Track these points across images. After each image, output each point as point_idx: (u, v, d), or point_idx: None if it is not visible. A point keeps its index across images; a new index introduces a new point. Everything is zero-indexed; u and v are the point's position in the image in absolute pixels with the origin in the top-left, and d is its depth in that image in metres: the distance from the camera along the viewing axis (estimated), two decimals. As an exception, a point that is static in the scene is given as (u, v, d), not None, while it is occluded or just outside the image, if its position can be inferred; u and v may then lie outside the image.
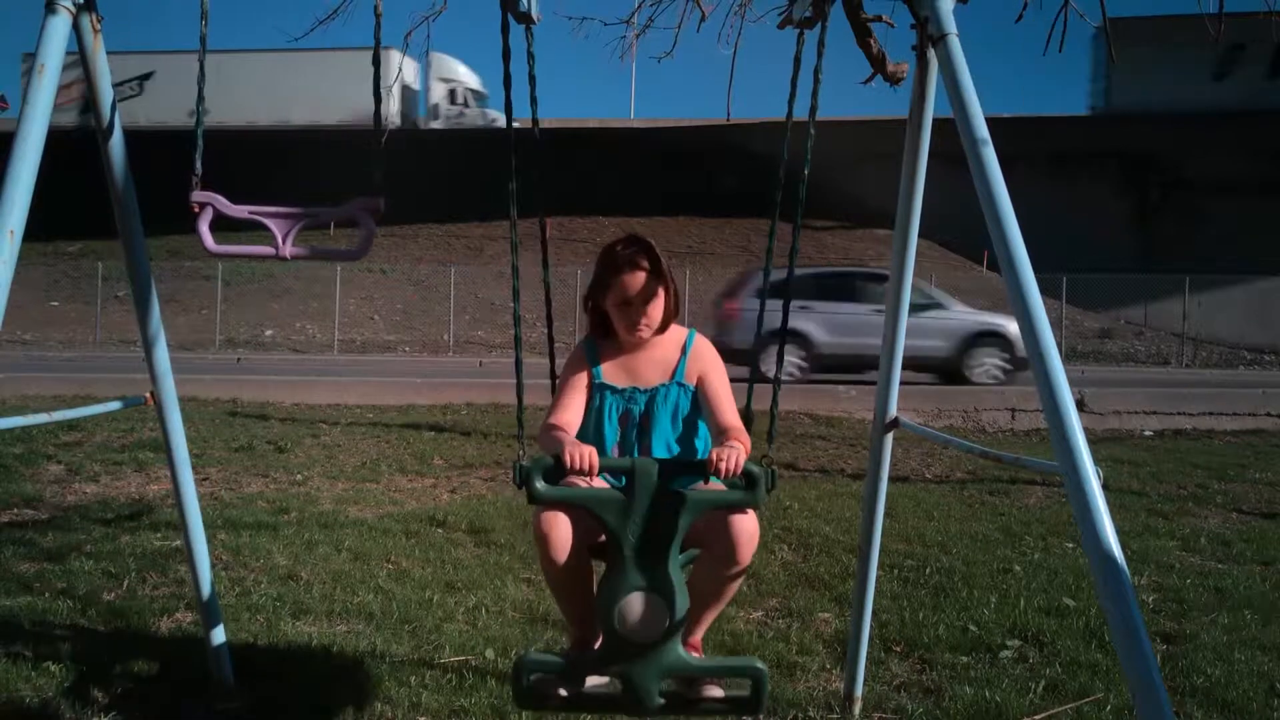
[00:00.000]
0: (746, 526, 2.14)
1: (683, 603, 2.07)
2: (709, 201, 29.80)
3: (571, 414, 2.44)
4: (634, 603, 2.04)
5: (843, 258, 28.79)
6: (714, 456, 2.09)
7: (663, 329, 2.50)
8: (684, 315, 2.62)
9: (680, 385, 2.47)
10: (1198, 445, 10.51)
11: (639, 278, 2.41)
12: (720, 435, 2.34)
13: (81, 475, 6.95)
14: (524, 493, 2.09)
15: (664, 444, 2.47)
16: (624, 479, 2.14)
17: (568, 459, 2.09)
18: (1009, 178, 1.90)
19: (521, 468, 2.11)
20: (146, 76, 29.93)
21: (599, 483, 2.24)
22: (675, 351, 2.51)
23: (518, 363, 2.52)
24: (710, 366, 2.50)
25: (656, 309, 2.44)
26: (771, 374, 2.52)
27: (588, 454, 2.11)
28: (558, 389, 2.53)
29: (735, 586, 2.27)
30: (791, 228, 2.53)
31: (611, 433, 2.47)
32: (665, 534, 2.05)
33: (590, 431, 2.47)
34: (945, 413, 12.34)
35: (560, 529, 2.13)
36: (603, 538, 2.16)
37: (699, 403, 2.48)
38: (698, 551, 2.25)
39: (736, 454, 2.10)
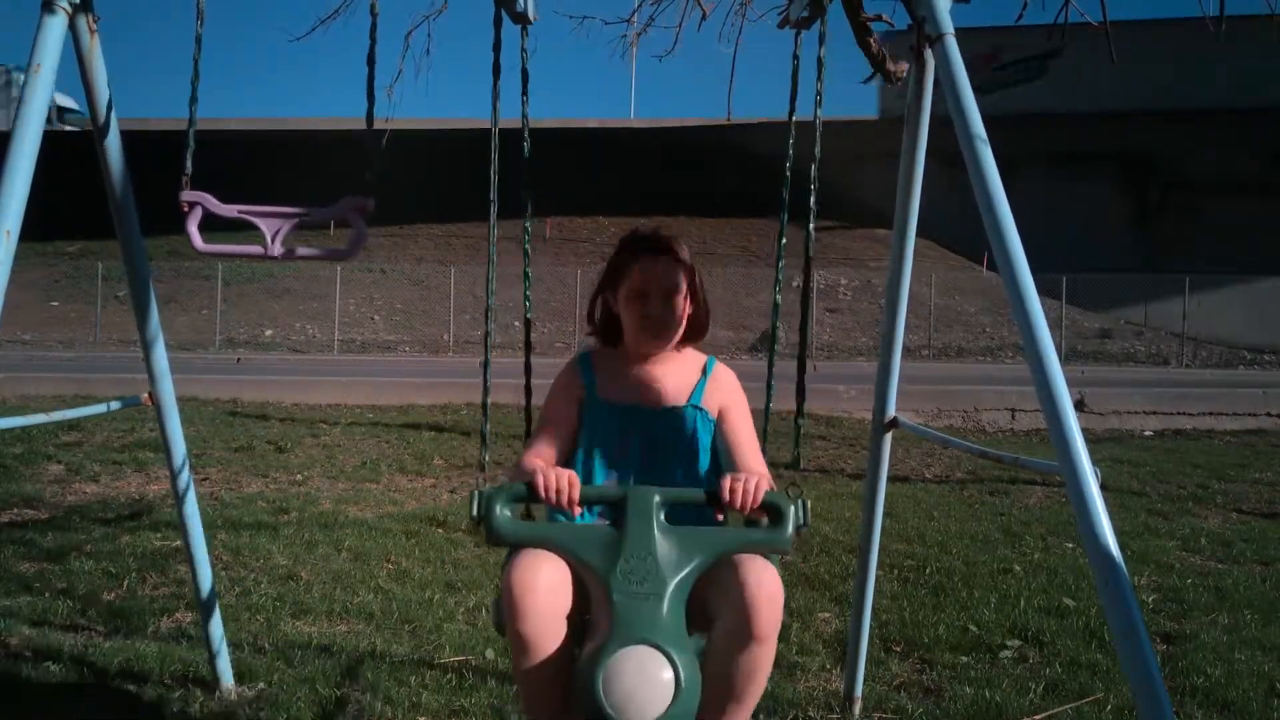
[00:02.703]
0: (763, 582, 1.60)
1: (691, 674, 1.55)
2: (709, 201, 29.80)
3: (554, 446, 2.02)
4: (627, 667, 1.51)
5: (843, 258, 28.82)
6: (726, 483, 1.70)
7: (684, 341, 2.13)
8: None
9: (698, 409, 2.06)
10: (1198, 445, 10.52)
11: (660, 264, 2.04)
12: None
13: (81, 475, 6.95)
14: (482, 531, 1.68)
15: (672, 477, 2.01)
16: (613, 512, 1.71)
17: (540, 487, 1.69)
18: (1009, 178, 1.89)
19: (481, 495, 1.67)
20: (1051, 54, 25.30)
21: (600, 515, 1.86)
22: (694, 373, 2.12)
23: (485, 362, 2.21)
24: (733, 399, 2.11)
25: (677, 308, 2.06)
26: None
27: (565, 480, 1.71)
28: (541, 412, 2.14)
29: (761, 671, 1.67)
30: (795, 228, 2.47)
31: (605, 460, 2.04)
32: (666, 581, 1.59)
33: (580, 456, 2.05)
34: (945, 413, 12.35)
35: (540, 589, 1.62)
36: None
37: (716, 442, 2.07)
38: (703, 641, 1.73)
39: (754, 482, 1.71)
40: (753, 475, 1.74)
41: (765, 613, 1.59)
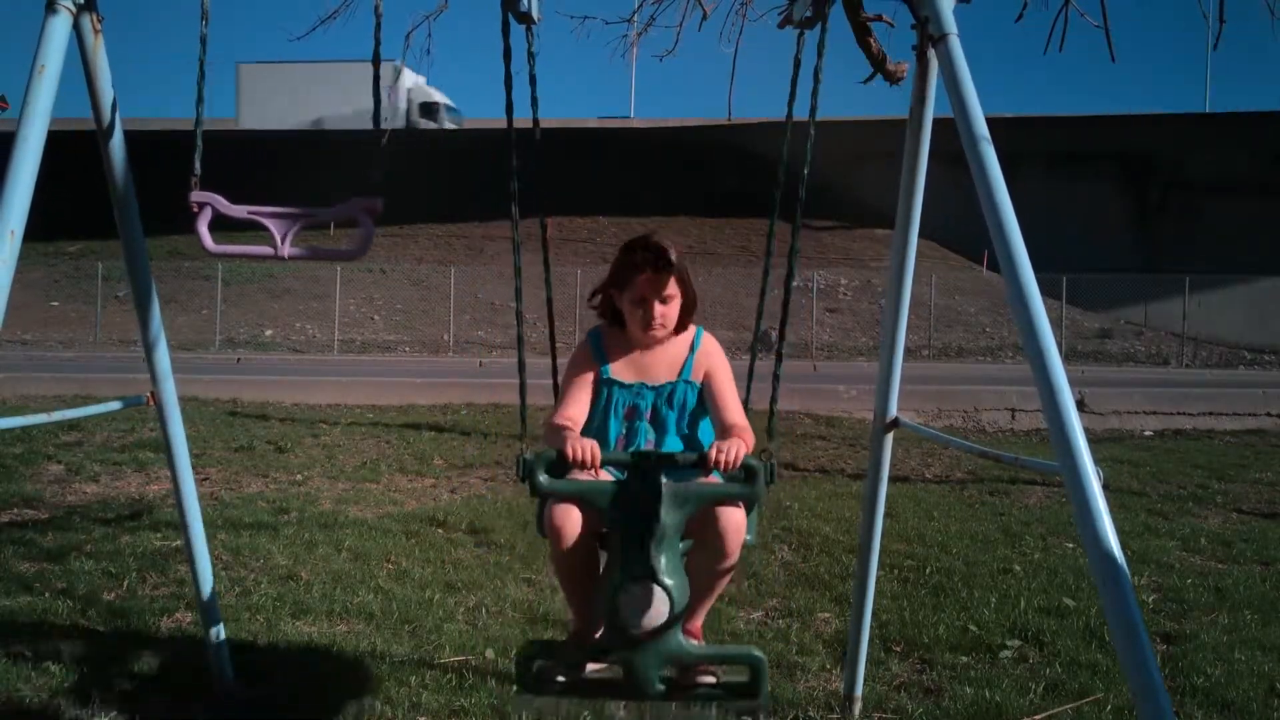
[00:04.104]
0: (732, 519, 2.18)
1: (682, 593, 2.10)
2: (709, 201, 29.79)
3: (578, 409, 2.47)
4: (635, 594, 2.07)
5: (843, 258, 28.82)
6: (714, 450, 2.14)
7: (677, 330, 2.53)
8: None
9: (687, 382, 2.52)
10: (1198, 445, 10.52)
11: (660, 278, 2.43)
12: (724, 433, 2.37)
13: (81, 475, 6.95)
14: (526, 485, 2.17)
15: (670, 440, 2.49)
16: (624, 472, 2.19)
17: (570, 452, 2.17)
18: (1009, 178, 1.90)
19: (524, 460, 2.17)
20: None
21: (604, 475, 2.29)
22: (684, 349, 2.54)
23: (520, 362, 2.53)
24: (716, 364, 2.55)
25: (673, 310, 2.48)
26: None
27: (589, 447, 2.20)
28: (563, 384, 2.56)
29: (725, 578, 2.33)
30: (791, 228, 2.49)
31: (617, 427, 2.51)
32: (665, 526, 2.09)
33: (595, 426, 2.50)
34: (945, 413, 12.36)
35: (572, 521, 2.19)
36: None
37: (704, 400, 2.52)
38: (692, 542, 2.29)
39: (736, 448, 2.15)
40: (735, 441, 2.19)
41: (733, 538, 2.19)
